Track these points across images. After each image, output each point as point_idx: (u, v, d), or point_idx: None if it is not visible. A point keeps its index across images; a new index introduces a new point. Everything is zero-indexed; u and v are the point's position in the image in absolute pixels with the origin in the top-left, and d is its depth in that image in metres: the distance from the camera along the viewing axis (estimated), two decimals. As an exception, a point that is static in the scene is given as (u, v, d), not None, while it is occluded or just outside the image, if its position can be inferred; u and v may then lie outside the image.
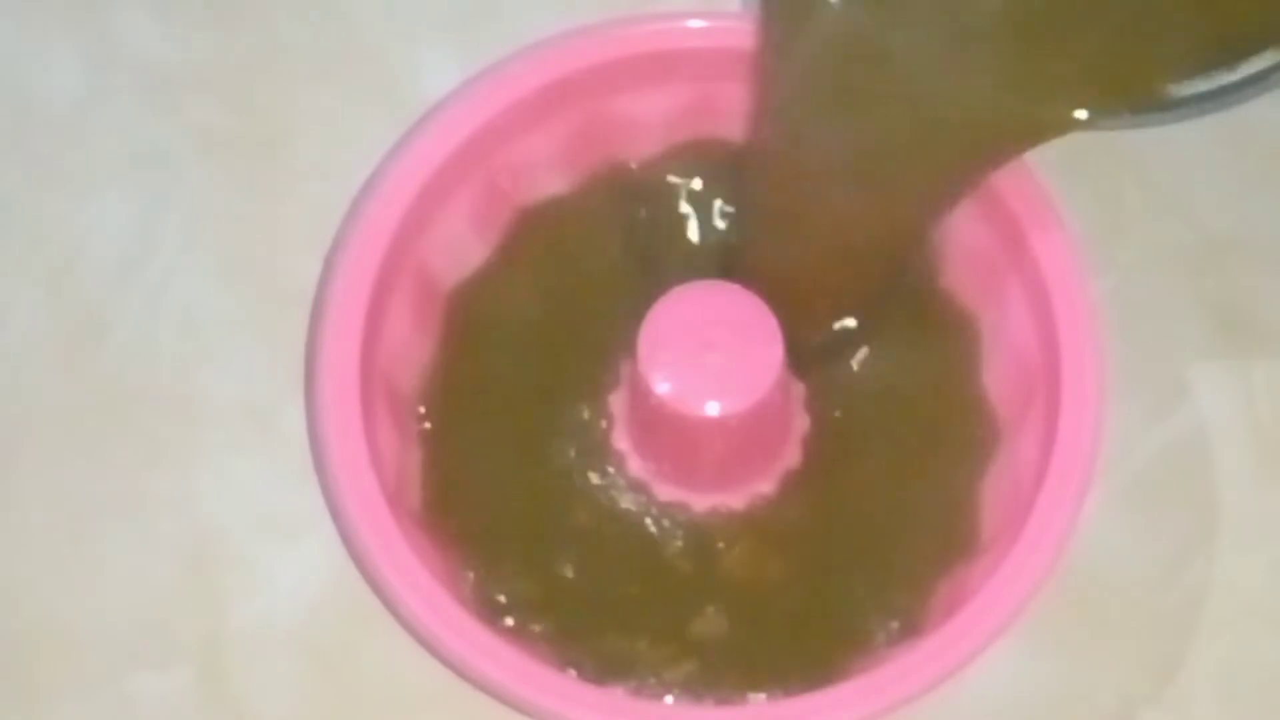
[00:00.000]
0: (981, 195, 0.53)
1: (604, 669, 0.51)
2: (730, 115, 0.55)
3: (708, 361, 0.51)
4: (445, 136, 0.54)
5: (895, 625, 0.51)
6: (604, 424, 0.53)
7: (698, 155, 0.56)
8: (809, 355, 0.52)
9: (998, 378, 0.54)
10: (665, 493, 0.53)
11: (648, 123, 0.56)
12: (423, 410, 0.54)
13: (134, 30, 0.59)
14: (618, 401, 0.53)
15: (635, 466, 0.53)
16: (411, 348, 0.54)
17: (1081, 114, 0.45)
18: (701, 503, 0.53)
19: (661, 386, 0.51)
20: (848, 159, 0.49)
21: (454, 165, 0.54)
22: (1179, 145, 0.58)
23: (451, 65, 0.58)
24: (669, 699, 0.51)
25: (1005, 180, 0.52)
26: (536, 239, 0.55)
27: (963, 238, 0.54)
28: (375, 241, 0.52)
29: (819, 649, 0.51)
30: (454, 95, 0.56)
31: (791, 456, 0.53)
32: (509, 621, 0.51)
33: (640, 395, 0.51)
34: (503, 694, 0.49)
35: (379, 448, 0.51)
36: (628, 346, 0.51)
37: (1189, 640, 0.53)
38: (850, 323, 0.54)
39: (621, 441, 0.53)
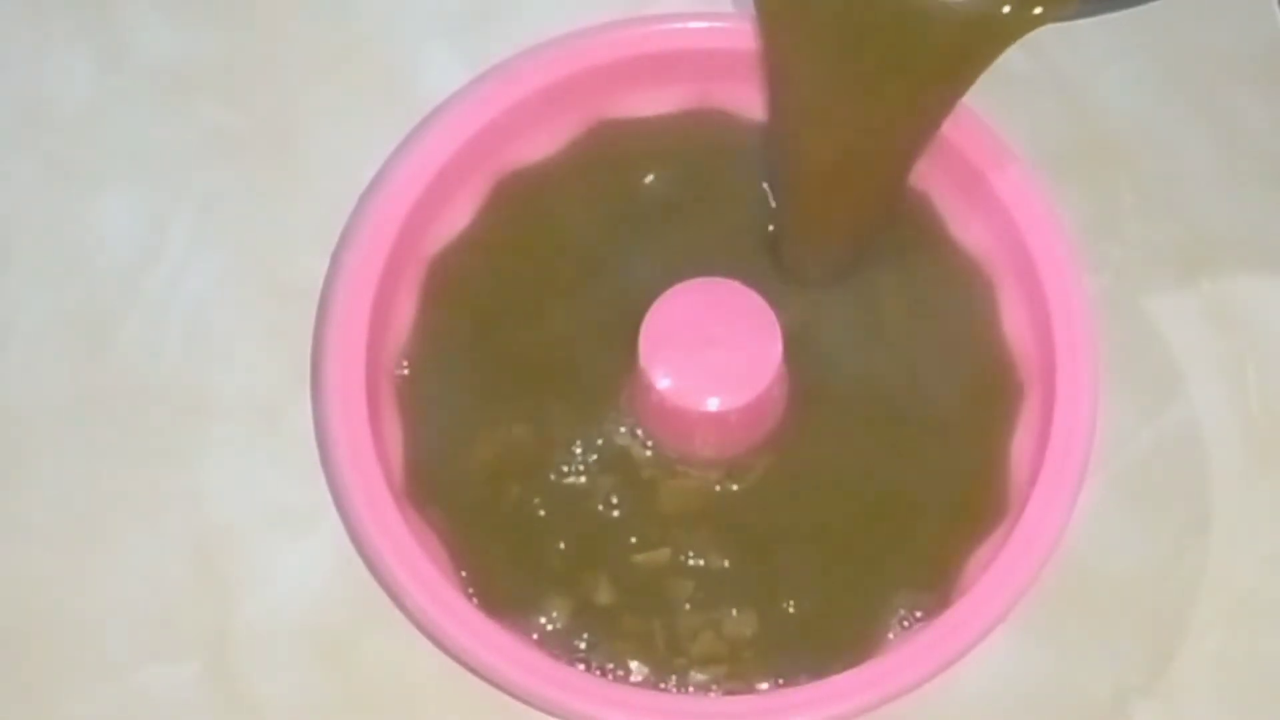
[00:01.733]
0: (980, 196, 0.54)
1: (614, 657, 0.51)
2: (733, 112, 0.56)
3: (708, 357, 0.52)
4: (450, 135, 0.54)
5: (920, 610, 0.51)
6: (600, 398, 0.54)
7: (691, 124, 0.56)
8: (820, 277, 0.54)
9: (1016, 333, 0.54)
10: (666, 463, 0.53)
11: (650, 121, 0.56)
12: (405, 370, 0.54)
13: (143, 31, 0.60)
14: (613, 376, 0.53)
15: (634, 438, 0.53)
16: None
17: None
18: (706, 475, 0.53)
19: (663, 382, 0.51)
20: (839, 76, 0.51)
21: (458, 164, 0.54)
22: (1172, 144, 0.58)
23: (456, 65, 0.58)
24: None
25: (1004, 180, 0.53)
26: (517, 203, 0.55)
27: (962, 237, 0.55)
28: (381, 239, 0.53)
29: (843, 631, 0.51)
30: (459, 94, 0.57)
31: (810, 422, 0.53)
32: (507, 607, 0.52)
33: (642, 389, 0.52)
34: (507, 685, 0.50)
35: (384, 442, 0.52)
36: (616, 315, 0.52)
37: (1182, 633, 0.53)
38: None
39: (619, 413, 0.53)
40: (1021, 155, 0.54)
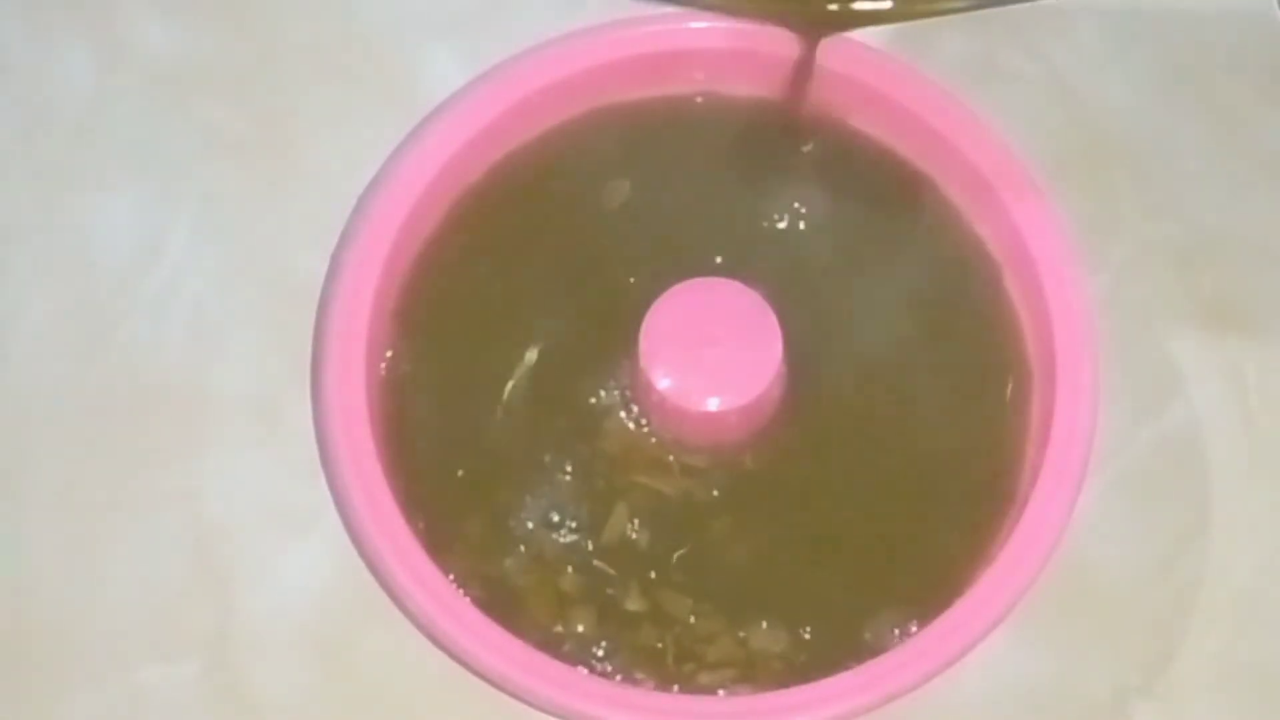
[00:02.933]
0: (981, 196, 0.54)
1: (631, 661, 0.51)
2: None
3: (708, 357, 0.52)
4: (449, 135, 0.54)
5: (920, 619, 0.51)
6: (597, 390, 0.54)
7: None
8: None
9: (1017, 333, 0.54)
10: (665, 450, 0.53)
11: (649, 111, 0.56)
12: (389, 355, 0.54)
13: (143, 31, 0.60)
14: (612, 368, 0.53)
15: (632, 431, 0.53)
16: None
17: None
18: (700, 467, 0.53)
19: (663, 382, 0.51)
20: None
21: (458, 164, 0.54)
22: (1172, 144, 0.59)
23: (456, 65, 0.58)
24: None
25: (1005, 180, 0.53)
26: (509, 190, 0.55)
27: (960, 239, 0.55)
28: (380, 239, 0.53)
29: (840, 637, 0.51)
30: (458, 95, 0.57)
31: (808, 421, 0.53)
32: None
33: (642, 389, 0.52)
34: (505, 684, 0.50)
35: (383, 441, 0.52)
36: (612, 307, 0.52)
37: (1181, 633, 0.53)
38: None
39: (616, 406, 0.53)
40: (1022, 155, 0.54)
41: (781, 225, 0.55)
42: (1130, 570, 0.54)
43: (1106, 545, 0.54)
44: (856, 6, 0.53)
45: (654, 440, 0.53)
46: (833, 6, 0.52)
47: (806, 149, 0.56)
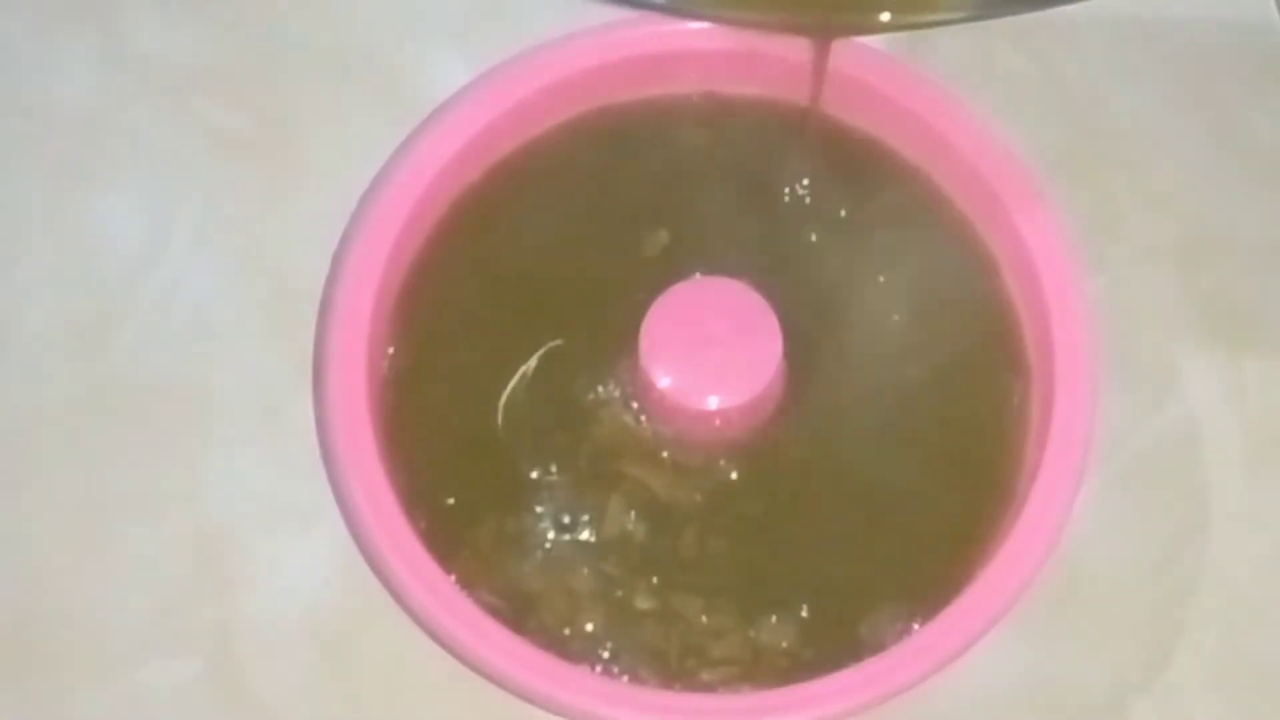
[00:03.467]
0: (982, 197, 0.54)
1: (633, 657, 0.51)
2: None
3: (709, 356, 0.52)
4: (450, 136, 0.54)
5: (920, 617, 0.51)
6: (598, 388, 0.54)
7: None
8: None
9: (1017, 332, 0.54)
10: (667, 448, 0.53)
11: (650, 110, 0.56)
12: (390, 353, 0.54)
13: (145, 32, 0.60)
14: (613, 364, 0.54)
15: (633, 427, 0.53)
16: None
17: None
18: (710, 467, 0.53)
19: (663, 381, 0.51)
20: None
21: (458, 164, 0.54)
22: (1172, 144, 0.59)
23: (457, 66, 0.58)
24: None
25: (1004, 180, 0.53)
26: (510, 188, 0.56)
27: (960, 239, 0.55)
28: (381, 238, 0.53)
29: (834, 636, 0.51)
30: (459, 95, 0.57)
31: (807, 419, 0.53)
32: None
33: (642, 387, 0.52)
34: (506, 682, 0.50)
35: (385, 439, 0.52)
36: (613, 305, 0.53)
37: (1179, 631, 0.54)
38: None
39: (618, 404, 0.54)
40: (1022, 155, 0.54)
41: (781, 225, 0.55)
42: (1128, 568, 0.54)
43: (1105, 543, 0.54)
44: (859, 16, 0.53)
45: (655, 438, 0.53)
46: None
47: (806, 149, 0.56)
